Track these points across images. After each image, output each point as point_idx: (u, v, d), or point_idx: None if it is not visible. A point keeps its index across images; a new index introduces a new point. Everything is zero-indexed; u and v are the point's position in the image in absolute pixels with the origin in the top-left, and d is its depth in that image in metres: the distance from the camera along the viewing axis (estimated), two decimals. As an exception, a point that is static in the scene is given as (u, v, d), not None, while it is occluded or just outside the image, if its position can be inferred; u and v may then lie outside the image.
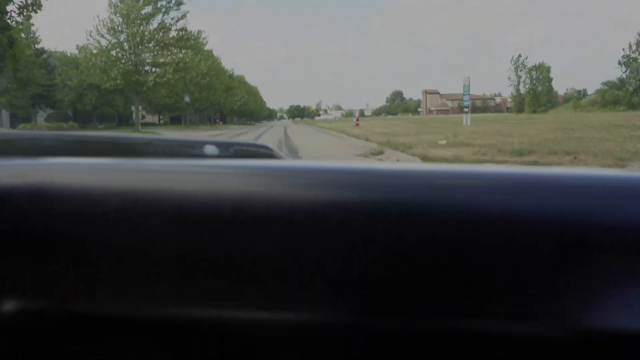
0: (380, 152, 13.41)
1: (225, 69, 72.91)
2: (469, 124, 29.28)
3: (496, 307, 0.45)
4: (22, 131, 1.10)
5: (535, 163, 9.76)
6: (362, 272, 0.46)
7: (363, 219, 0.45)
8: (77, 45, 36.33)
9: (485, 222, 0.45)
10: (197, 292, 0.47)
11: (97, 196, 0.48)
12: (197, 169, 0.53)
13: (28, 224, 0.49)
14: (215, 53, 65.96)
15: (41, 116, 46.50)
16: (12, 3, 21.95)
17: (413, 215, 0.46)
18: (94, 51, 35.01)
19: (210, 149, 0.88)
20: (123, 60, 34.97)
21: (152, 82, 34.52)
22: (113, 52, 35.12)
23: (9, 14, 22.00)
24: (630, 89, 76.69)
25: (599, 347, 0.44)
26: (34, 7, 23.07)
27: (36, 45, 44.17)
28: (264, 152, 0.89)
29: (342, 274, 0.46)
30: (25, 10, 22.85)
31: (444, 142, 14.65)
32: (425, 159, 11.43)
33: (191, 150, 0.89)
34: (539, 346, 0.45)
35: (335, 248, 0.46)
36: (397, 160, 11.81)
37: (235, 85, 77.76)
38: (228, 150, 0.88)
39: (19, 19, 23.12)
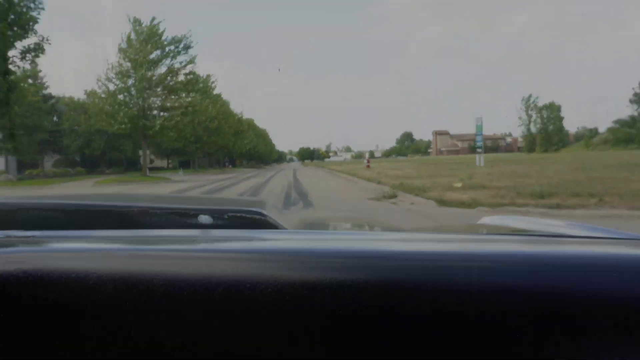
0: (394, 196, 12.79)
1: (234, 112, 73.19)
2: (482, 164, 28.68)
3: None
4: (18, 200, 1.04)
5: (557, 206, 9.18)
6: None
7: (351, 301, 0.46)
8: (86, 91, 36.38)
9: (469, 302, 0.45)
10: None
11: (90, 283, 0.48)
12: (189, 254, 0.53)
13: (19, 309, 0.49)
14: (224, 96, 66.38)
15: (48, 161, 46.41)
16: (14, 48, 21.90)
17: (410, 299, 0.46)
18: (102, 95, 34.95)
19: (204, 219, 0.90)
20: (130, 105, 34.83)
21: (159, 126, 34.29)
22: (120, 97, 35.02)
23: (11, 59, 21.91)
24: (643, 126, 76.01)
25: None
26: (37, 52, 23.03)
27: (44, 91, 44.44)
28: (259, 219, 0.90)
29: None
30: (27, 55, 22.79)
31: (459, 184, 14.01)
32: (441, 202, 10.78)
33: (185, 219, 0.92)
34: None
35: (321, 333, 0.46)
36: (412, 203, 11.23)
37: (244, 128, 77.93)
38: (223, 217, 0.90)
39: (22, 64, 23.06)
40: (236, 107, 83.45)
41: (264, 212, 0.92)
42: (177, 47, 37.18)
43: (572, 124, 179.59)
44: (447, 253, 0.54)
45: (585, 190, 10.75)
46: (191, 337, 0.47)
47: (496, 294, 0.46)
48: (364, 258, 0.50)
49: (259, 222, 0.89)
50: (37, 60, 23.93)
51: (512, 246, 0.56)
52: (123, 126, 33.59)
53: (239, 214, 0.91)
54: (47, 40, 23.83)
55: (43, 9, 22.60)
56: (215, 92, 57.96)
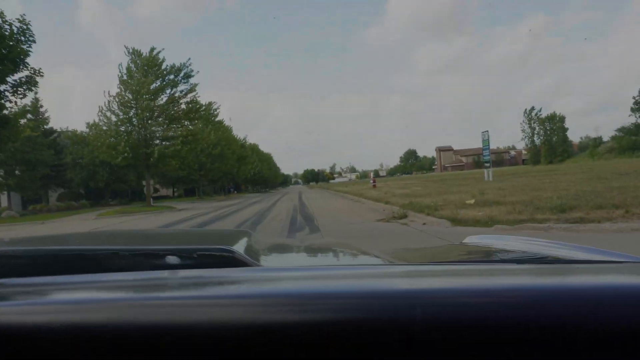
0: (404, 216, 12.29)
1: (237, 137, 73.01)
2: (491, 179, 28.15)
3: None
4: None
5: (581, 220, 8.65)
6: None
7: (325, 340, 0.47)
8: (87, 123, 36.08)
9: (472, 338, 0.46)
10: None
11: (40, 338, 0.48)
12: (145, 301, 0.54)
13: None
14: (226, 122, 66.28)
15: (52, 196, 46.13)
16: (5, 83, 21.51)
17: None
18: (104, 127, 34.70)
19: (172, 259, 0.94)
20: (133, 135, 34.57)
21: (158, 154, 33.99)
22: (122, 128, 34.77)
23: (2, 93, 21.54)
24: (647, 133, 75.67)
25: None
26: (29, 85, 22.63)
27: (45, 126, 44.33)
28: (227, 257, 0.93)
29: None
30: (19, 89, 22.39)
31: (472, 201, 13.48)
32: (455, 221, 10.26)
33: (154, 260, 0.95)
34: None
35: None
36: (424, 224, 10.72)
37: (248, 153, 77.75)
38: (191, 257, 0.94)
39: (14, 99, 22.59)
40: (239, 132, 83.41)
41: (232, 249, 0.94)
42: (177, 75, 37.02)
43: (575, 134, 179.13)
44: (400, 290, 0.54)
45: (608, 201, 10.21)
46: None
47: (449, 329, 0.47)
48: (323, 298, 0.52)
49: (229, 260, 0.91)
50: (38, 95, 23.62)
51: (475, 280, 0.55)
52: (125, 155, 33.29)
53: (207, 253, 0.93)
54: (40, 72, 23.42)
55: (34, 41, 22.19)
56: (218, 118, 57.93)
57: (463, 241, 1.53)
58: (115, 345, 0.47)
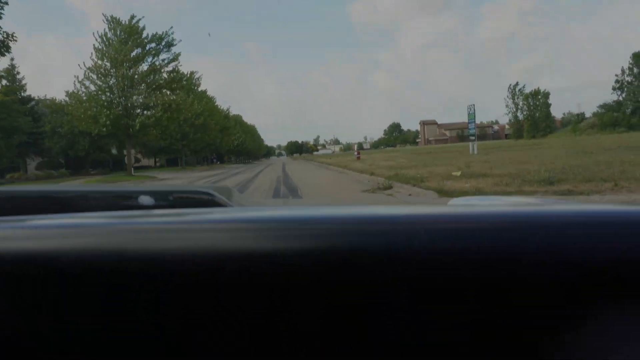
0: (389, 187, 12.09)
1: (220, 108, 72.26)
2: (476, 152, 28.10)
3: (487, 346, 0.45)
4: None
5: (570, 192, 8.52)
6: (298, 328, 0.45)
7: (292, 267, 0.45)
8: (67, 92, 35.20)
9: (460, 264, 0.44)
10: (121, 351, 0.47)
11: (20, 257, 0.47)
12: (132, 227, 0.52)
13: None
14: (210, 93, 65.45)
15: (31, 165, 45.38)
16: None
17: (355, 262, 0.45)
18: (84, 97, 33.95)
19: (145, 200, 0.87)
20: (113, 105, 33.90)
21: (140, 124, 33.43)
22: (102, 97, 34.07)
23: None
24: (628, 110, 76.36)
25: None
26: (1, 50, 21.90)
27: (23, 93, 43.36)
28: (206, 199, 0.87)
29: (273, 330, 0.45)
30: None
31: (458, 173, 13.31)
32: (441, 192, 10.07)
33: (127, 201, 0.89)
34: None
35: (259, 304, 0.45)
36: (409, 194, 10.54)
37: (232, 124, 77.03)
38: (167, 198, 0.88)
39: None
40: (223, 103, 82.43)
41: (212, 192, 0.87)
42: (158, 44, 36.27)
43: (558, 110, 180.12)
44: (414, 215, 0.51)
45: (596, 174, 10.09)
46: (131, 311, 0.46)
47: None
48: (316, 222, 0.49)
49: (208, 202, 0.85)
50: (14, 62, 22.68)
51: (493, 208, 0.52)
52: (104, 129, 32.68)
53: (186, 194, 0.87)
54: (13, 37, 22.61)
55: (6, 3, 21.38)
56: (201, 88, 57.11)
57: (448, 203, 1.32)
58: (85, 272, 0.46)
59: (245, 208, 0.76)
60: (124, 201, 0.88)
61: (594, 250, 0.44)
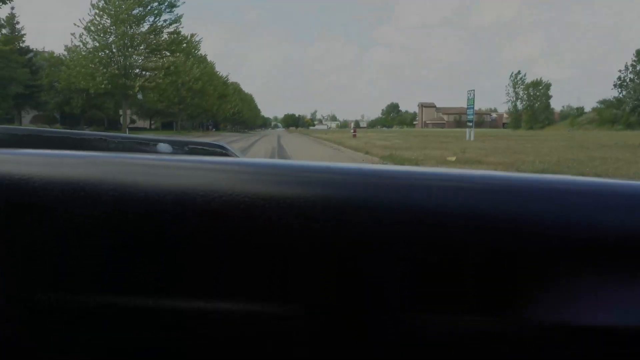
0: (383, 168, 12.06)
1: (220, 74, 71.71)
2: (472, 139, 28.01)
3: (467, 304, 0.46)
4: None
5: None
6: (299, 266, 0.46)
7: (300, 214, 0.46)
8: (66, 46, 34.83)
9: (454, 222, 0.45)
10: (134, 283, 0.48)
11: (37, 186, 0.48)
12: (140, 161, 0.52)
13: None
14: (209, 59, 64.85)
15: (26, 118, 45.04)
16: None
17: (354, 214, 0.46)
18: (82, 53, 33.57)
19: (163, 147, 0.93)
20: (111, 63, 33.54)
21: (139, 87, 33.12)
22: (101, 54, 33.69)
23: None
24: (628, 108, 76.29)
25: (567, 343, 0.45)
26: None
27: (21, 44, 42.79)
28: (219, 152, 0.93)
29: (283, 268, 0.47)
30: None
31: (453, 158, 13.31)
32: (435, 177, 10.06)
33: (145, 147, 0.94)
34: (504, 342, 0.46)
35: (274, 241, 0.46)
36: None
37: (230, 92, 76.58)
38: (182, 148, 0.94)
39: None
40: (222, 70, 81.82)
41: (226, 146, 0.94)
42: (160, 4, 35.79)
43: (558, 103, 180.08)
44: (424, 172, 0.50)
45: (590, 170, 10.10)
46: (137, 242, 0.47)
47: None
48: (330, 172, 0.49)
49: (220, 155, 0.90)
50: (15, 11, 22.29)
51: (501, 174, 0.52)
52: (102, 86, 32.37)
53: (199, 146, 0.93)
54: None
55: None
56: (201, 53, 56.58)
57: None
58: (94, 198, 0.47)
59: (257, 159, 0.70)
60: (141, 146, 0.93)
61: (593, 218, 0.45)
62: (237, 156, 0.89)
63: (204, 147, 0.93)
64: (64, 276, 0.48)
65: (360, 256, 0.46)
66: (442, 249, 0.45)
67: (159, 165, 0.51)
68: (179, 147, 0.92)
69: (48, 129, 1.00)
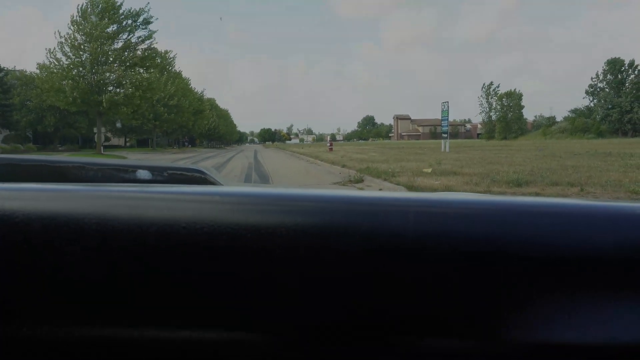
0: (360, 180, 12.10)
1: (195, 90, 71.50)
2: (448, 150, 28.26)
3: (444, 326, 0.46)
4: None
5: (536, 195, 8.62)
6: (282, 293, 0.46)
7: (281, 241, 0.46)
8: (38, 64, 34.38)
9: (421, 247, 0.45)
10: (120, 314, 0.48)
11: (17, 221, 0.47)
12: (123, 194, 0.52)
13: None
14: (184, 75, 64.61)
15: (-3, 137, 44.35)
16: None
17: (333, 241, 0.46)
18: (54, 70, 33.20)
19: (142, 174, 0.92)
20: (84, 80, 33.22)
21: (108, 102, 32.82)
22: (74, 72, 33.35)
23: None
24: (598, 117, 77.72)
25: None
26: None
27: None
28: (198, 177, 0.93)
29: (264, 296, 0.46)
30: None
31: (429, 170, 13.39)
32: (411, 188, 10.10)
33: (123, 174, 0.93)
34: None
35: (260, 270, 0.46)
36: (380, 189, 10.57)
37: (206, 108, 76.28)
38: (161, 174, 0.93)
39: None
40: (197, 86, 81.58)
41: (204, 170, 0.93)
42: (135, 20, 35.63)
43: (530, 113, 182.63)
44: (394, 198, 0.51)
45: (563, 179, 10.25)
46: (122, 274, 0.47)
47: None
48: (311, 200, 0.50)
49: (200, 180, 0.90)
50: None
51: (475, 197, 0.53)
52: (72, 100, 31.99)
53: (179, 172, 0.92)
54: None
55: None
56: (176, 69, 56.39)
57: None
58: (76, 232, 0.47)
59: (236, 186, 0.75)
60: (120, 174, 0.91)
61: (571, 240, 0.45)
62: (216, 179, 0.90)
63: (183, 173, 0.92)
64: (48, 309, 0.47)
65: (343, 282, 0.46)
66: (423, 273, 0.45)
67: (142, 197, 0.51)
68: (158, 173, 0.92)
69: (24, 156, 0.94)
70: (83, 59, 33.80)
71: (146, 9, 35.85)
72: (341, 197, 0.51)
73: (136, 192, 0.53)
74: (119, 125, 38.45)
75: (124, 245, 0.47)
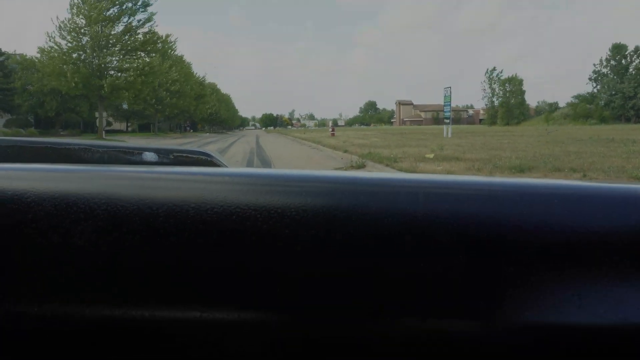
0: (362, 166, 12.08)
1: (197, 75, 71.28)
2: (450, 135, 28.17)
3: (430, 305, 0.47)
4: None
5: (540, 181, 8.60)
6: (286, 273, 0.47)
7: (290, 223, 0.47)
8: (39, 48, 34.23)
9: (416, 224, 0.46)
10: (129, 295, 0.48)
11: (29, 201, 0.48)
12: (133, 174, 0.53)
13: None
14: (186, 59, 64.35)
15: (-2, 122, 44.31)
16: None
17: (339, 222, 0.46)
18: (55, 54, 33.06)
19: (149, 156, 0.94)
20: (85, 63, 33.10)
21: (109, 86, 32.71)
22: (74, 55, 33.22)
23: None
24: (601, 103, 77.45)
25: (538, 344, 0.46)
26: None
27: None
28: (205, 160, 0.95)
29: (270, 276, 0.47)
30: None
31: (431, 155, 13.36)
32: (414, 174, 10.09)
33: (130, 157, 0.94)
34: (473, 344, 0.47)
35: (265, 251, 0.47)
36: (382, 175, 10.53)
37: (207, 92, 76.08)
38: (168, 157, 0.95)
39: None
40: (199, 70, 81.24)
41: (211, 153, 0.95)
42: (134, 3, 35.43)
43: (533, 98, 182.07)
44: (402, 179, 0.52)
45: (566, 164, 10.23)
46: (130, 254, 0.48)
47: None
48: (320, 181, 0.51)
49: (206, 163, 0.92)
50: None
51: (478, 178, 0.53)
52: (75, 84, 31.89)
53: (185, 154, 0.94)
54: None
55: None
56: (178, 54, 56.16)
57: None
58: (86, 211, 0.47)
59: (243, 168, 0.71)
60: (126, 156, 0.92)
61: (576, 221, 0.46)
62: (222, 162, 0.92)
63: (189, 155, 0.93)
64: (57, 289, 0.48)
65: (350, 263, 0.46)
66: (430, 254, 0.46)
67: (152, 177, 0.52)
68: (165, 156, 0.93)
69: (31, 138, 0.97)
70: (83, 42, 33.64)
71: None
72: (350, 178, 0.51)
73: (146, 172, 0.54)
74: (125, 106, 38.44)
75: (133, 225, 0.47)
